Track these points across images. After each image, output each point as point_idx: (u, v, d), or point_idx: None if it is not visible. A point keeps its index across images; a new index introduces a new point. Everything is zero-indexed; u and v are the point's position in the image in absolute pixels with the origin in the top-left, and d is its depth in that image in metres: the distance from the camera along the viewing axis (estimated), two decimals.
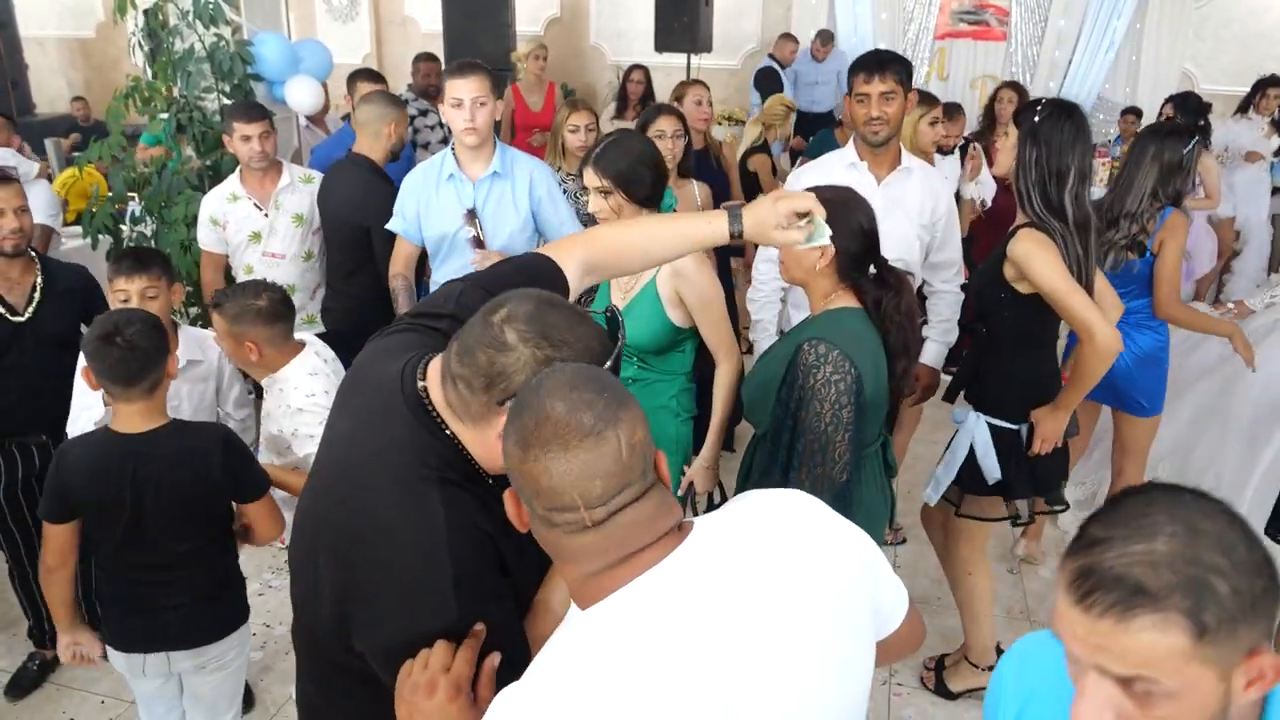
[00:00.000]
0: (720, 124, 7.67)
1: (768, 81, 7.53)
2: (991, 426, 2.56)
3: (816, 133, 5.75)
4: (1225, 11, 7.99)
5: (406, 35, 9.60)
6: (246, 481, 2.10)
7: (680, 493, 2.49)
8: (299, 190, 3.56)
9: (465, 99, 2.85)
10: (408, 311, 1.47)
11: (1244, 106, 6.32)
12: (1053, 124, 2.34)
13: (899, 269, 2.04)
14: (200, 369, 2.64)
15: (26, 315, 2.70)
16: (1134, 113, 6.88)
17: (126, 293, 2.49)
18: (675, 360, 2.47)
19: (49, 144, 6.12)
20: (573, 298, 1.48)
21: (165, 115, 3.98)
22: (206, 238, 3.56)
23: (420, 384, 1.23)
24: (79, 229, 4.10)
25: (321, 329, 3.67)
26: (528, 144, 5.56)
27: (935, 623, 3.27)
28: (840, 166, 2.81)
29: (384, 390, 1.26)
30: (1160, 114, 5.91)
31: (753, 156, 5.02)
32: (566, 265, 1.48)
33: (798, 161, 4.32)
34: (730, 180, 4.41)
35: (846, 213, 2.00)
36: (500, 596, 1.21)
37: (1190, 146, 2.93)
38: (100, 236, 4.01)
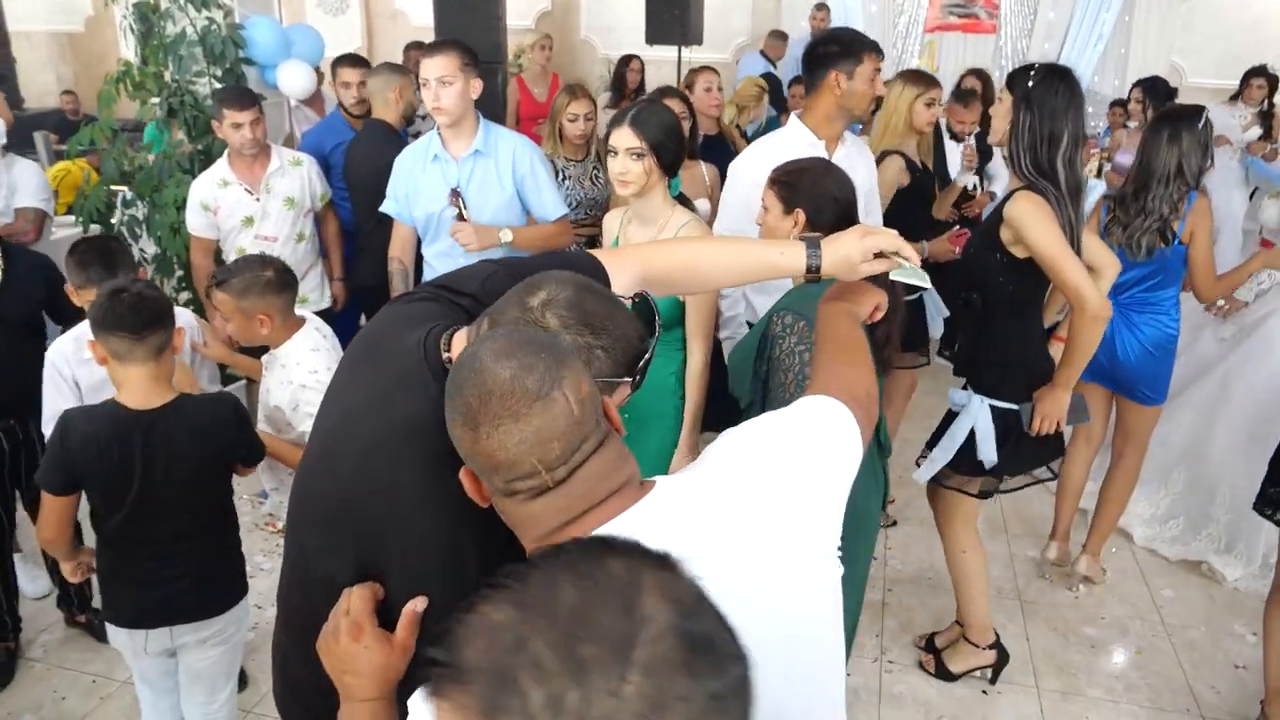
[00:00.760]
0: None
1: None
2: (993, 408, 2.57)
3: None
4: (1213, 5, 8.04)
5: (397, 28, 9.59)
6: (254, 447, 2.15)
7: None
8: (289, 173, 3.58)
9: (430, 79, 2.86)
10: (431, 280, 1.41)
11: (1236, 96, 6.38)
12: (1046, 88, 2.34)
13: None
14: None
15: None
16: (1123, 105, 6.92)
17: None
18: (675, 334, 2.48)
19: (38, 137, 6.10)
20: None
21: (157, 100, 3.96)
22: (197, 223, 3.56)
23: (445, 355, 1.18)
24: (70, 218, 4.09)
25: (318, 308, 3.72)
26: (534, 134, 5.56)
27: (927, 602, 3.29)
28: (803, 144, 2.79)
29: (403, 359, 1.21)
30: (1129, 99, 5.96)
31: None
32: (616, 274, 1.40)
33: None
34: None
35: (820, 181, 2.03)
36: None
37: (1204, 122, 2.94)
38: (92, 225, 3.99)
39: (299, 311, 2.43)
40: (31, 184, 3.63)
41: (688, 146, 3.47)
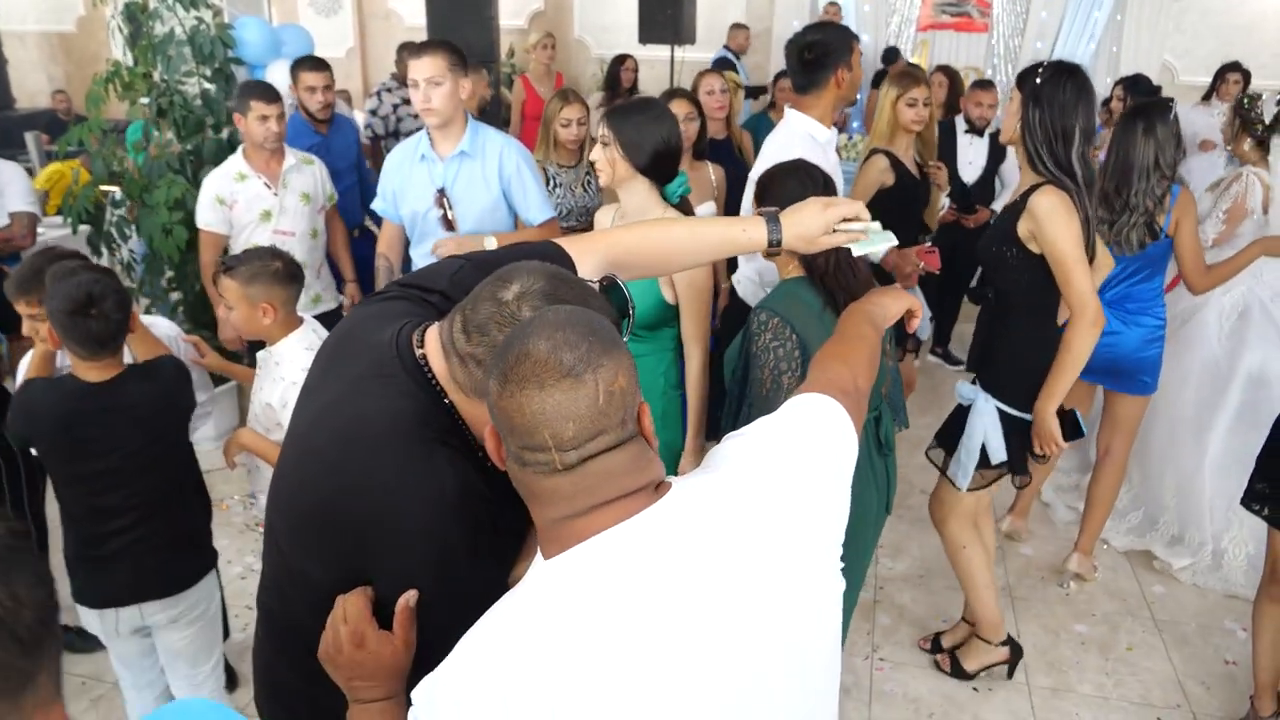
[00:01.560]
0: None
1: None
2: (1000, 411, 2.56)
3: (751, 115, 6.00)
4: (1205, 4, 8.07)
5: (390, 29, 9.57)
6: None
7: None
8: (303, 170, 3.63)
9: (419, 79, 2.85)
10: (397, 280, 1.41)
11: (1208, 94, 6.38)
12: (1054, 85, 2.33)
13: None
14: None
15: None
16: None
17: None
18: (665, 335, 2.48)
19: (29, 137, 6.07)
20: None
21: (146, 100, 3.96)
22: (210, 217, 3.54)
23: (419, 351, 1.18)
24: (59, 219, 4.07)
25: (329, 306, 3.76)
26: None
27: (925, 601, 3.29)
28: (821, 137, 2.79)
29: (376, 355, 1.20)
30: (1110, 97, 5.98)
31: None
32: (581, 260, 1.40)
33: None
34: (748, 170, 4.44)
35: (798, 183, 2.08)
36: (501, 559, 1.20)
37: (1173, 115, 2.96)
38: (80, 226, 3.98)
39: (307, 313, 2.46)
40: (19, 186, 3.62)
41: (691, 149, 3.50)
